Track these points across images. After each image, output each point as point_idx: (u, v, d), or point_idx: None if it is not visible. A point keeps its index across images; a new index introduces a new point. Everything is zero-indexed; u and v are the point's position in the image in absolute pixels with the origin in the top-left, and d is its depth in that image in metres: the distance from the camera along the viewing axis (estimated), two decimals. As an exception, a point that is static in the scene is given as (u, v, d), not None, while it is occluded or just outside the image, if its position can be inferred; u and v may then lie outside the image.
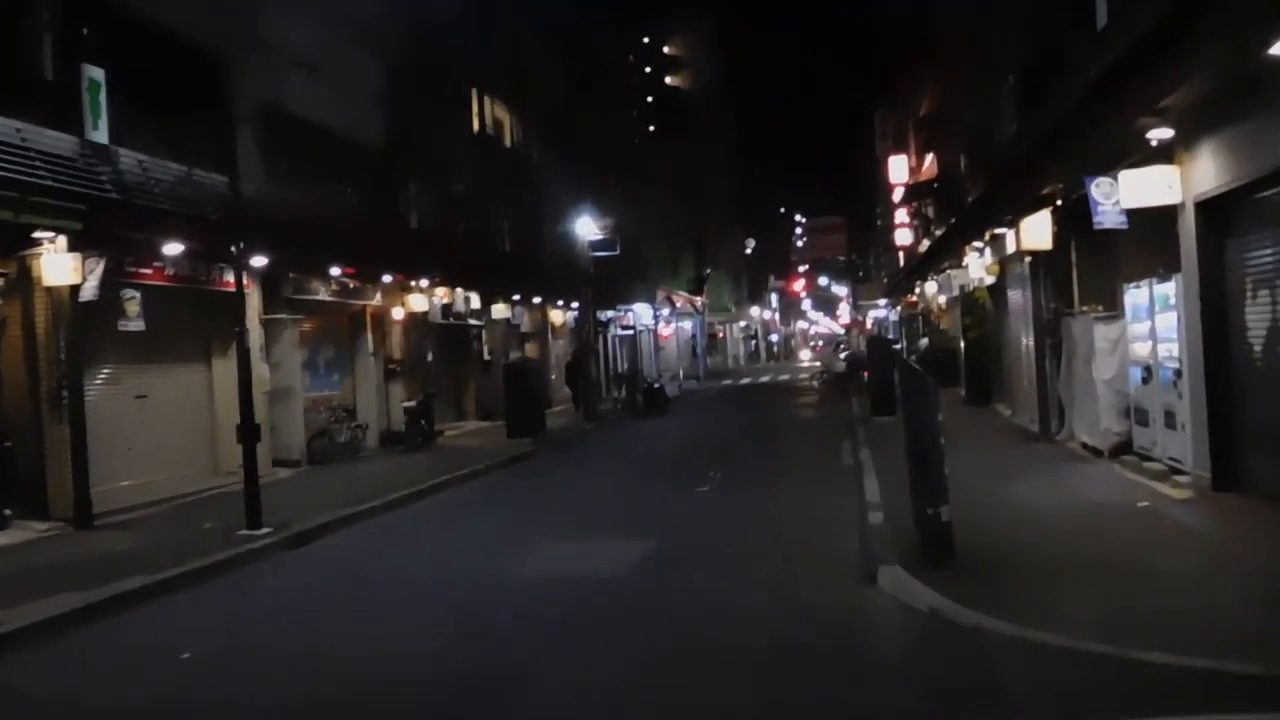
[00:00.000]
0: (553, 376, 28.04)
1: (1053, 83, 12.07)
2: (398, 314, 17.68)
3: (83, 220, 9.43)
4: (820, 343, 66.92)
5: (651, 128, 61.81)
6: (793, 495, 10.89)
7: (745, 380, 43.16)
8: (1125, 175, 8.52)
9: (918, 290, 32.00)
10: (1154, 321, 9.91)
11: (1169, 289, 9.41)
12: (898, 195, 33.60)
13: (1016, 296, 16.62)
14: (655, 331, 40.28)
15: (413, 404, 17.12)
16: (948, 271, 22.03)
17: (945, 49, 24.64)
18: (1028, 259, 13.63)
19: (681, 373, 44.63)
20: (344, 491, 11.72)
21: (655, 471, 13.74)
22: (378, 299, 16.99)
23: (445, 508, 11.48)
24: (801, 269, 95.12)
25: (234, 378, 13.14)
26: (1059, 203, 12.51)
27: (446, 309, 19.46)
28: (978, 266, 18.19)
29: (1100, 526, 7.61)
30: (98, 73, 10.25)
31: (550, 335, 27.80)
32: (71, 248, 9.72)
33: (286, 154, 13.65)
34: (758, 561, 7.59)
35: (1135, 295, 10.52)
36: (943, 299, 27.38)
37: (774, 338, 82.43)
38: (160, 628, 6.75)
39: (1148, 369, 10.17)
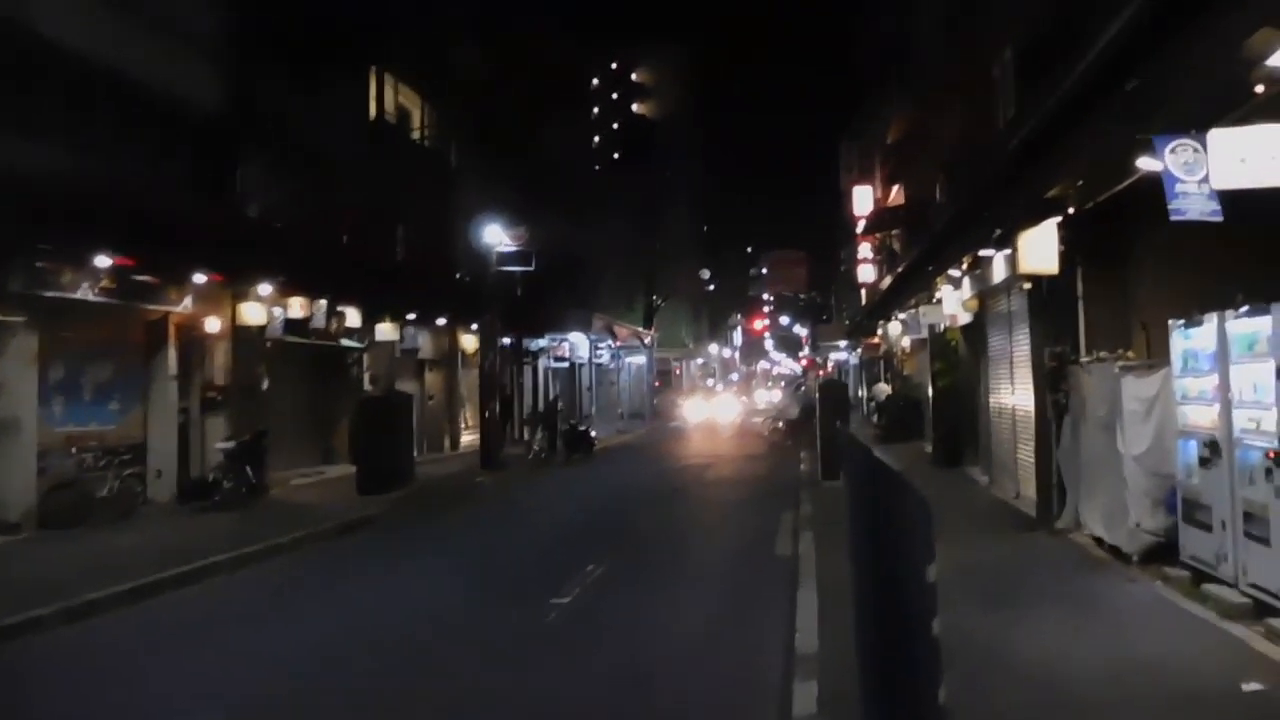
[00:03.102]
0: (464, 411, 24.42)
1: (1065, 52, 8.91)
2: (212, 326, 13.94)
3: None
4: (718, 383, 55.32)
5: (616, 155, 59.17)
6: (690, 622, 7.35)
7: (696, 420, 39.66)
8: (1221, 136, 5.25)
9: (880, 331, 28.92)
10: (1226, 375, 6.63)
11: (1258, 326, 6.15)
12: (862, 228, 30.63)
13: (1000, 338, 13.43)
14: (594, 364, 36.75)
15: (231, 445, 13.36)
16: (916, 308, 18.87)
17: (919, 65, 21.80)
18: (1025, 286, 10.37)
19: (623, 412, 41.15)
20: (16, 585, 7.93)
21: (514, 561, 10.11)
22: (186, 305, 13.28)
23: (122, 633, 7.30)
24: (766, 309, 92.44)
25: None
26: (1070, 210, 9.31)
27: (300, 324, 15.83)
28: (953, 301, 14.98)
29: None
30: None
31: (461, 364, 24.17)
32: None
33: (28, 92, 10.04)
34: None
35: (1191, 336, 7.24)
36: (908, 341, 24.26)
37: (734, 376, 79.30)
38: None
39: (1210, 445, 6.86)
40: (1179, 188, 5.29)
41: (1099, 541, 8.90)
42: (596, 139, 57.06)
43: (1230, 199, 5.58)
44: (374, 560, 10.46)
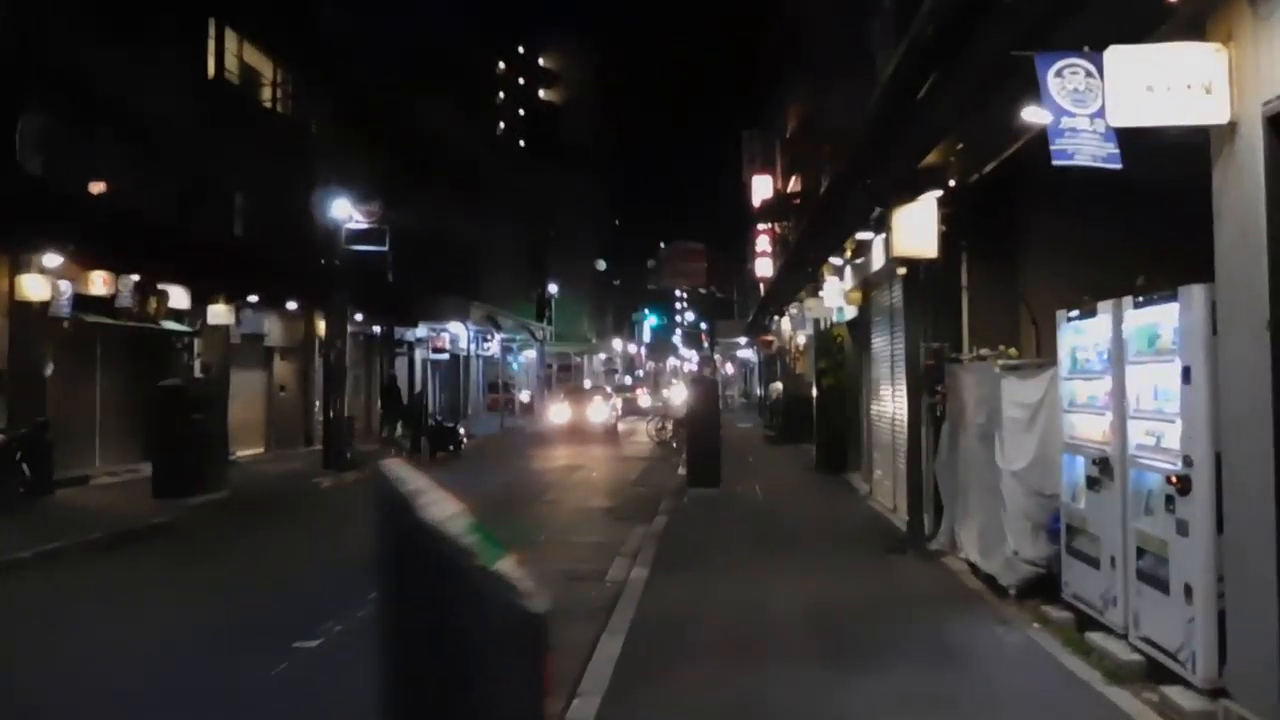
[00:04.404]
0: (317, 405, 22.21)
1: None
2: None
3: None
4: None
5: (521, 143, 57.17)
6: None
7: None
8: (1121, 56, 3.90)
9: (774, 327, 27.93)
10: (1121, 378, 5.37)
11: (1161, 317, 4.89)
12: (757, 217, 29.57)
13: (882, 335, 12.25)
14: (480, 357, 34.76)
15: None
16: (804, 302, 17.70)
17: (813, 47, 20.71)
18: (900, 272, 9.11)
19: (515, 406, 39.24)
20: None
21: (291, 585, 8.35)
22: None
23: None
24: (678, 305, 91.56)
25: None
26: (952, 184, 8.06)
27: (104, 302, 13.77)
28: (835, 293, 13.80)
29: None
30: None
31: (318, 352, 21.96)
32: None
33: None
34: None
35: (1082, 330, 6.00)
36: (803, 338, 23.21)
37: (639, 372, 78.00)
38: None
39: (1100, 463, 5.61)
40: (1065, 122, 3.93)
41: (974, 568, 7.68)
42: (502, 125, 55.00)
43: (1130, 148, 4.24)
44: (121, 583, 8.53)
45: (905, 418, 10.05)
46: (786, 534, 9.90)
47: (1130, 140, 4.17)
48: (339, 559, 9.48)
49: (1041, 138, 4.77)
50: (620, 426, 29.87)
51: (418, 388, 25.80)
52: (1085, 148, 3.91)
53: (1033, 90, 4.61)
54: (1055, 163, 3.95)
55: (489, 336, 34.42)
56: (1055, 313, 6.55)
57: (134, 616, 7.27)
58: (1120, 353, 5.35)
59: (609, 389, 34.23)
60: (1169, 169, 5.67)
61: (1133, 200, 7.07)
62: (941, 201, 8.18)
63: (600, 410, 28.06)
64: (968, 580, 7.54)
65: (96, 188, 15.02)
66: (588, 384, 40.11)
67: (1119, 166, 3.95)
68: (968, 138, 6.76)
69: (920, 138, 6.73)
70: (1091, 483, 5.75)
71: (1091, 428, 5.82)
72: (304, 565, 9.25)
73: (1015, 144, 6.89)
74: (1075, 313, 6.05)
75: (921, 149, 6.89)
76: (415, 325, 26.27)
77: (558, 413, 29.01)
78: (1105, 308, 5.51)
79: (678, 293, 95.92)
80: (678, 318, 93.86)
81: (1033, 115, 5.60)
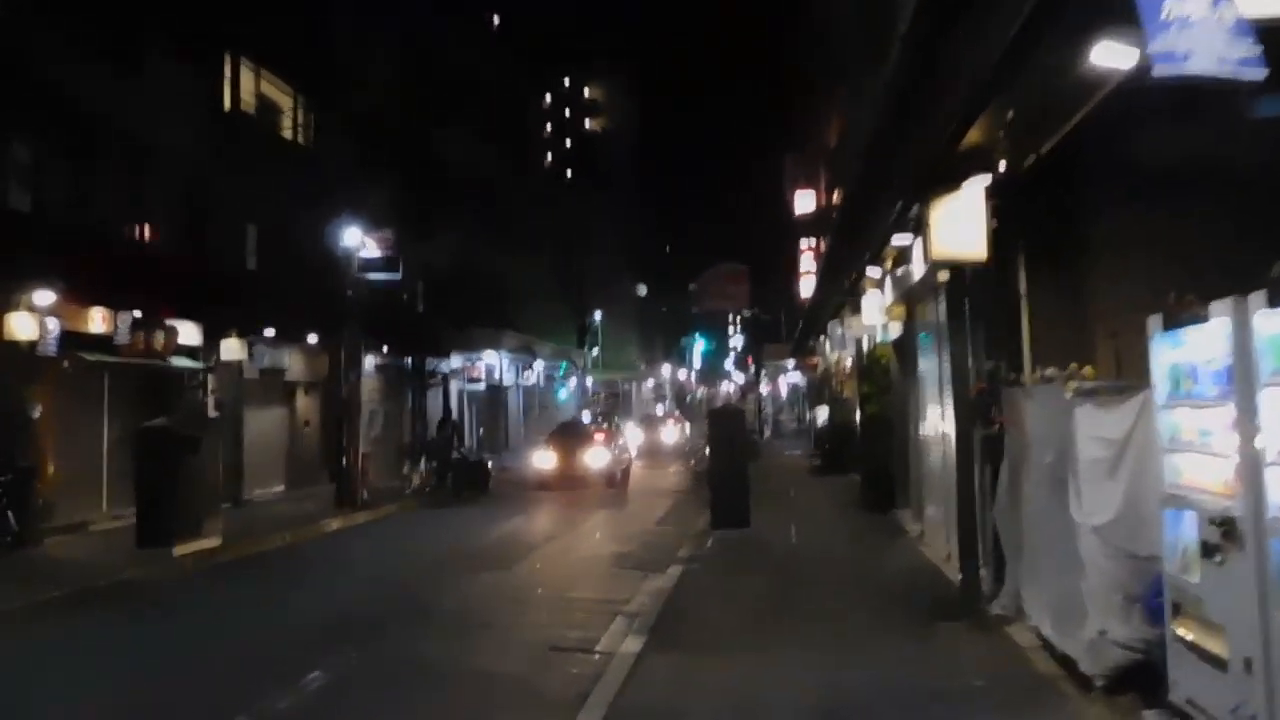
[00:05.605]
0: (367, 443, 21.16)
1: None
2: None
3: None
4: None
5: (569, 173, 56.79)
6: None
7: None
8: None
9: (818, 348, 26.35)
10: (1251, 406, 3.85)
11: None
12: (801, 232, 28.14)
13: (930, 354, 10.71)
14: (521, 386, 33.68)
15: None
16: (844, 320, 16.20)
17: (846, 62, 19.37)
18: (942, 277, 7.62)
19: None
20: None
21: (222, 667, 7.05)
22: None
23: None
24: (731, 329, 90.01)
25: None
26: (1002, 169, 6.60)
27: (103, 340, 13.08)
28: (875, 309, 12.30)
29: None
30: None
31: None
32: None
33: None
34: None
35: (1184, 342, 4.48)
36: (848, 359, 21.63)
37: (689, 399, 76.44)
38: None
39: (1223, 524, 4.07)
40: (1172, 9, 2.49)
41: (1047, 643, 6.12)
42: (550, 156, 54.58)
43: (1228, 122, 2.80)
44: (50, 653, 7.43)
45: (957, 453, 8.51)
46: (816, 591, 8.42)
47: (1226, 109, 2.71)
48: (297, 625, 8.27)
49: (1115, 100, 3.36)
50: (635, 469, 24.17)
51: (471, 421, 24.74)
52: (1204, 48, 2.47)
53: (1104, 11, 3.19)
54: (1158, 71, 2.53)
55: (529, 365, 33.36)
56: (1144, 320, 5.03)
57: (29, 700, 6.14)
58: (1248, 371, 3.84)
59: (613, 426, 26.46)
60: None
61: (1236, 183, 5.56)
62: (990, 192, 6.74)
63: (599, 456, 21.05)
64: (1038, 661, 5.98)
65: (131, 231, 14.53)
66: (585, 416, 32.27)
67: (1261, 75, 2.50)
68: (1019, 103, 5.32)
69: (957, 102, 5.30)
70: (1208, 550, 4.22)
71: (1205, 474, 4.29)
72: (255, 634, 8.02)
73: (1080, 111, 5.46)
74: (1176, 316, 4.54)
75: (960, 119, 5.46)
76: (446, 356, 25.28)
77: (541, 459, 21.47)
78: (1221, 309, 4.01)
79: (730, 316, 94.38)
80: (730, 342, 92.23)
81: (1102, 58, 4.17)
